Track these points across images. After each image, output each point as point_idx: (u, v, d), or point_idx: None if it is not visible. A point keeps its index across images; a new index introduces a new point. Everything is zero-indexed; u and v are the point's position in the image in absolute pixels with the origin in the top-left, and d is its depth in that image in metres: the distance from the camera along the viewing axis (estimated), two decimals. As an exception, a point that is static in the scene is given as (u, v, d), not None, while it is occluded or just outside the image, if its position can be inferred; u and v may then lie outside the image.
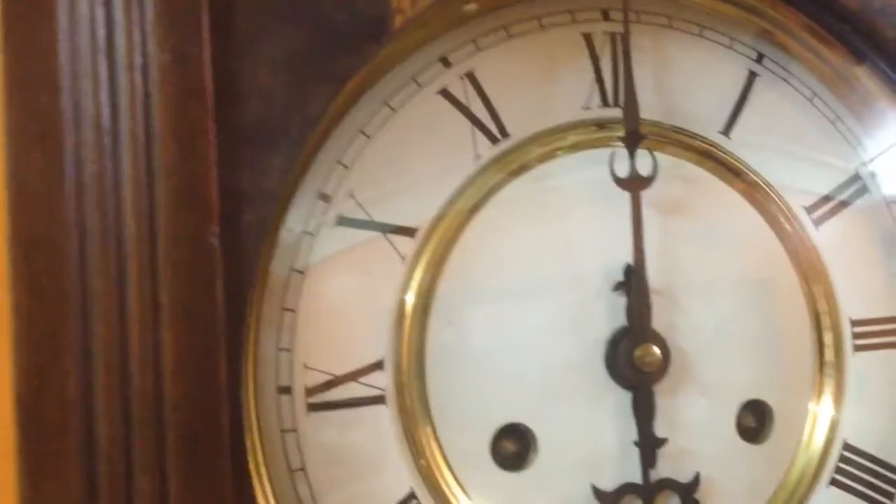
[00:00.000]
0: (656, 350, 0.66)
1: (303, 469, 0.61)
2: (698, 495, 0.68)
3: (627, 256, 0.67)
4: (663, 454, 0.67)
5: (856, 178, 0.74)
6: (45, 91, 0.52)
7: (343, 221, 0.63)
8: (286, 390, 0.61)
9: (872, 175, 0.74)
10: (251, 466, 0.57)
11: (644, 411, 0.66)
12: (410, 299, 0.64)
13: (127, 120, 0.53)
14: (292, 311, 0.61)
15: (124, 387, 0.51)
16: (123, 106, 0.53)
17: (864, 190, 0.74)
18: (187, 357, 0.52)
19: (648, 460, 0.66)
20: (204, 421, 0.53)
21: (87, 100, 0.52)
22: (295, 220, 0.62)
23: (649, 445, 0.66)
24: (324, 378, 0.62)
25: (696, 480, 0.67)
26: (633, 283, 0.67)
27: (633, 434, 0.66)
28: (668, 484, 0.67)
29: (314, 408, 0.61)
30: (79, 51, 0.52)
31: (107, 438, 0.51)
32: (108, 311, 0.52)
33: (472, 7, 0.65)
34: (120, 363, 0.51)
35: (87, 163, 0.52)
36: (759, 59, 0.72)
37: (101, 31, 0.53)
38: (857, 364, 0.72)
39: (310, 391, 0.61)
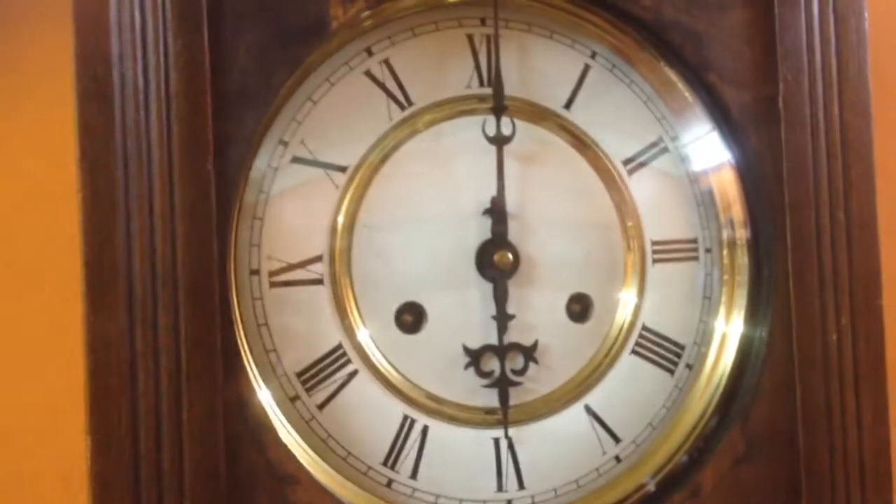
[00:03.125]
0: (510, 255, 0.92)
1: (266, 324, 0.88)
2: (536, 355, 0.94)
3: (493, 191, 0.93)
4: (513, 326, 0.92)
5: (659, 142, 0.99)
6: (100, 64, 0.79)
7: (296, 160, 0.89)
8: (256, 272, 0.88)
9: (673, 139, 1.00)
10: (233, 317, 0.84)
11: (500, 296, 0.92)
12: (341, 216, 0.91)
13: (154, 86, 0.79)
14: (260, 219, 0.88)
15: (151, 256, 0.78)
16: (152, 76, 0.79)
17: (664, 150, 1.00)
18: (193, 241, 0.79)
19: (502, 329, 0.92)
20: (204, 282, 0.80)
21: (129, 70, 0.79)
22: (263, 158, 0.88)
23: (503, 319, 0.92)
24: (281, 265, 0.89)
25: (535, 345, 0.94)
26: (496, 209, 0.93)
27: (493, 311, 0.92)
28: (515, 346, 0.93)
29: (274, 285, 0.88)
30: (124, 40, 0.79)
31: (141, 288, 0.78)
32: (141, 209, 0.78)
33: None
34: (149, 240, 0.78)
35: (128, 113, 0.79)
36: (593, 55, 0.98)
37: (138, 26, 0.79)
38: (655, 271, 0.98)
39: (272, 273, 0.88)
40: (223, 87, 0.83)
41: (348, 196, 0.91)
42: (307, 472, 0.85)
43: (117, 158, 0.79)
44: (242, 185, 0.87)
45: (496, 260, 0.92)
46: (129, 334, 0.78)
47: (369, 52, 0.92)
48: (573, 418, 0.96)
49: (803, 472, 0.93)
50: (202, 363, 0.80)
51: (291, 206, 0.90)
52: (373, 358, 0.91)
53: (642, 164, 1.00)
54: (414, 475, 0.92)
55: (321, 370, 0.90)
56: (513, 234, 0.94)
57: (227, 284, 0.84)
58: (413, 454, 0.92)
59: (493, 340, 0.93)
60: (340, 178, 0.91)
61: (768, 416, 0.95)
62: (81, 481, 0.78)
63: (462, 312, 0.94)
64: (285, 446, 0.84)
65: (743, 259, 1.00)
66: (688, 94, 0.99)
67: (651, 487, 0.97)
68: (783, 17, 0.96)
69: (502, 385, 0.93)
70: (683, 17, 0.95)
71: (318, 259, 0.90)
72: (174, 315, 0.79)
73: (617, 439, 0.97)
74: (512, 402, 0.93)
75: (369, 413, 0.91)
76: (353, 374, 0.91)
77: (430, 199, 0.94)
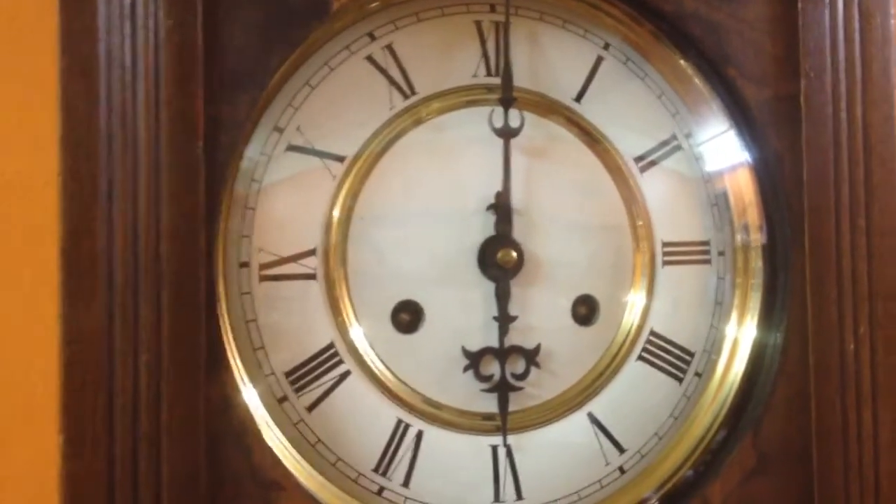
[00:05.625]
0: (514, 253, 0.88)
1: (255, 320, 0.83)
2: (539, 359, 0.90)
3: (499, 186, 0.89)
4: (515, 328, 0.89)
5: (672, 140, 0.95)
6: (86, 42, 0.74)
7: (291, 148, 0.85)
8: (245, 265, 0.83)
9: (687, 137, 0.96)
10: (219, 312, 0.80)
11: (502, 296, 0.88)
12: (338, 208, 0.87)
13: (142, 65, 0.75)
14: (252, 209, 0.84)
15: (133, 245, 0.74)
16: (140, 55, 0.75)
17: (678, 148, 0.95)
18: (178, 230, 0.75)
19: (503, 331, 0.88)
20: (189, 274, 0.75)
21: (116, 47, 0.74)
22: (256, 145, 0.84)
23: (504, 321, 0.88)
24: (272, 258, 0.84)
25: (537, 349, 0.90)
26: (501, 204, 0.89)
27: (494, 312, 0.88)
28: (516, 349, 0.89)
29: (264, 279, 0.84)
30: (112, 15, 0.74)
31: (121, 279, 0.73)
32: (125, 195, 0.74)
33: None
34: (132, 228, 0.74)
35: (114, 93, 0.74)
36: (606, 46, 0.94)
37: (127, 2, 0.75)
38: (664, 274, 0.94)
39: (262, 266, 0.84)
40: (216, 67, 0.78)
41: (345, 187, 0.87)
42: (293, 478, 0.81)
43: (101, 140, 0.74)
44: (233, 172, 0.82)
45: (499, 258, 0.88)
46: (107, 328, 0.73)
47: (371, 37, 0.88)
48: (575, 426, 0.92)
49: (816, 490, 0.89)
50: (185, 360, 0.75)
51: (285, 196, 0.85)
52: (366, 358, 0.87)
53: (654, 163, 0.96)
54: (406, 483, 0.87)
55: (311, 370, 0.85)
56: (517, 232, 0.90)
57: (214, 277, 0.80)
58: (406, 461, 0.88)
59: (494, 342, 0.89)
60: (338, 169, 0.87)
61: (781, 428, 0.91)
62: (54, 484, 0.73)
63: (462, 312, 0.90)
64: (271, 450, 0.80)
65: (757, 262, 0.96)
66: (705, 89, 0.95)
67: (654, 502, 0.92)
68: (807, 12, 0.91)
69: (502, 390, 0.89)
70: (703, 9, 0.90)
71: (312, 253, 0.86)
72: (156, 309, 0.74)
73: (621, 449, 0.93)
74: (512, 407, 0.89)
75: (361, 416, 0.87)
76: (346, 374, 0.86)
77: (432, 192, 0.90)
